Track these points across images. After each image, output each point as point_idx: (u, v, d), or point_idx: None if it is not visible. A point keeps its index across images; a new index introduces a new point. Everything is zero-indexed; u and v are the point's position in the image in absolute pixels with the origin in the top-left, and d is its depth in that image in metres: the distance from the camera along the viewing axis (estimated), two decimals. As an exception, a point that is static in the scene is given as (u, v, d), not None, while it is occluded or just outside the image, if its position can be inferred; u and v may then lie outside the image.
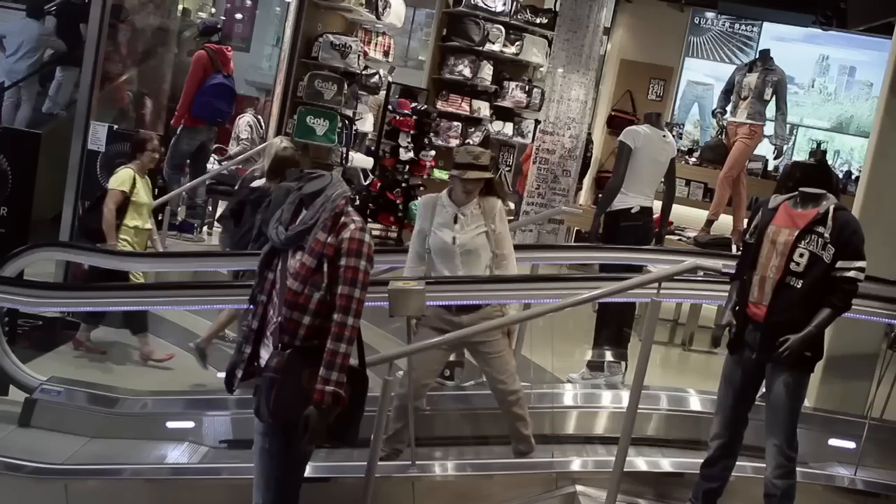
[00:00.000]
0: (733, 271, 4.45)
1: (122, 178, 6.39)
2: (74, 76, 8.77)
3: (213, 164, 9.34)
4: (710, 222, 8.77)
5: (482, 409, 5.31)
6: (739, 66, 9.39)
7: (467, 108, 10.27)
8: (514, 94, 10.41)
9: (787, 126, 9.32)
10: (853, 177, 10.72)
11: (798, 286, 4.08)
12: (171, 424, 5.37)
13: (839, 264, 4.06)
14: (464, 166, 4.68)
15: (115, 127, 7.55)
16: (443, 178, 10.05)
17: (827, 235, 4.08)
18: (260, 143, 9.22)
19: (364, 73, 8.90)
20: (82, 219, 6.60)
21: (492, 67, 10.27)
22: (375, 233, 9.33)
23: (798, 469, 4.23)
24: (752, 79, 8.64)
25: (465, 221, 4.70)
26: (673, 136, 7.77)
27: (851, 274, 4.06)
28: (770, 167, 10.61)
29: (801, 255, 4.09)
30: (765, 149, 9.94)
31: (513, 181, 11.31)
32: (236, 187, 6.82)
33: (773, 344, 4.08)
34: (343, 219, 3.43)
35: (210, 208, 9.54)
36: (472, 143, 10.16)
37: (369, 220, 9.49)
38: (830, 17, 11.19)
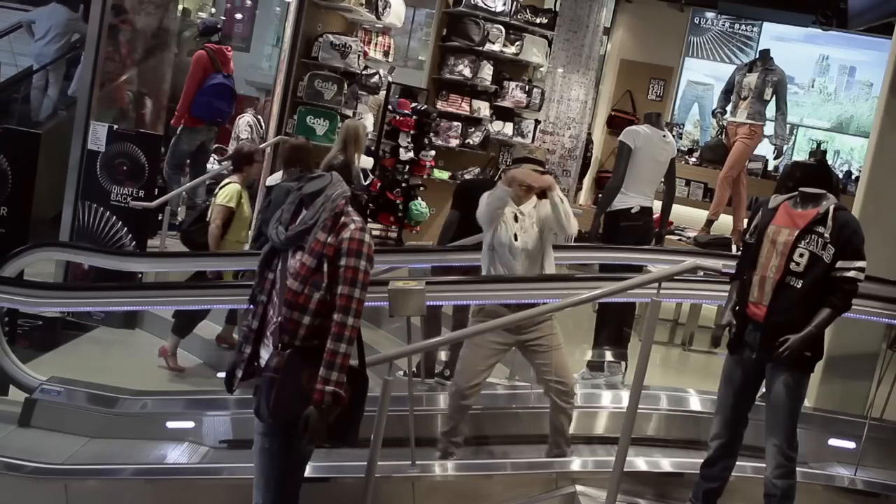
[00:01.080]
0: (733, 271, 4.44)
1: (229, 194, 6.38)
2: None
3: (213, 164, 9.33)
4: (710, 222, 8.78)
5: (482, 409, 5.31)
6: (739, 66, 9.39)
7: (467, 108, 10.25)
8: (514, 94, 10.39)
9: (787, 126, 9.33)
10: (853, 177, 10.73)
11: (798, 286, 4.08)
12: (171, 424, 5.36)
13: (839, 264, 4.06)
14: (519, 160, 4.99)
15: (115, 127, 7.55)
16: (443, 178, 10.05)
17: (827, 235, 4.08)
18: (260, 142, 9.20)
19: (364, 73, 8.89)
20: (187, 232, 6.65)
21: (492, 67, 10.26)
22: (375, 233, 9.33)
23: (798, 469, 4.23)
24: (752, 79, 8.65)
25: (524, 221, 4.84)
26: (673, 136, 7.78)
27: (851, 274, 4.06)
28: (770, 167, 10.62)
29: (801, 255, 4.08)
30: (765, 149, 9.95)
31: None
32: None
33: (773, 344, 4.08)
34: (343, 219, 3.43)
35: (210, 208, 9.53)
36: (472, 143, 10.16)
37: (369, 220, 9.48)
38: (830, 17, 11.21)
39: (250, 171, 6.62)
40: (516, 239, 4.82)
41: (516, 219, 4.84)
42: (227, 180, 6.55)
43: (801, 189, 4.22)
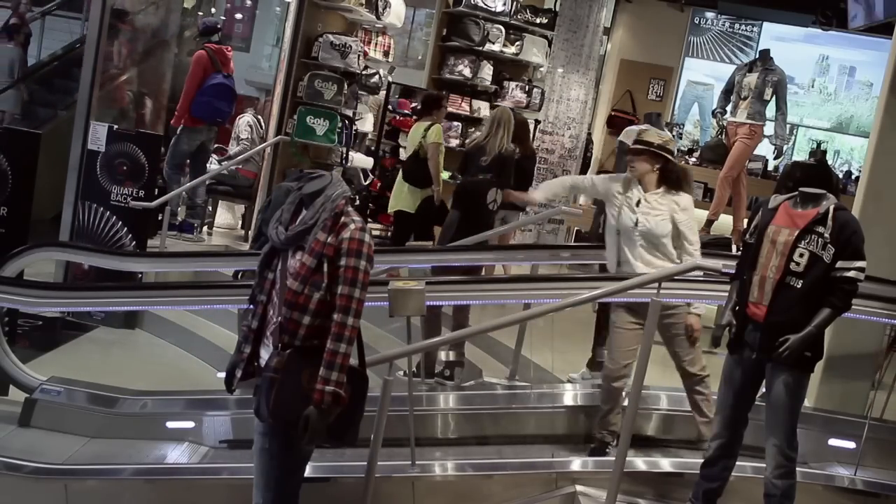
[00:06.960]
0: (733, 271, 4.44)
1: (437, 132, 7.21)
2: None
3: (213, 164, 9.33)
4: (710, 222, 8.77)
5: (482, 408, 5.31)
6: (739, 66, 9.38)
7: (467, 108, 10.25)
8: (514, 94, 10.39)
9: (787, 126, 9.32)
10: (853, 177, 10.73)
11: (798, 286, 4.08)
12: (171, 424, 5.36)
13: (839, 264, 4.06)
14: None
15: (115, 127, 7.55)
16: (443, 178, 10.05)
17: (827, 235, 4.07)
18: (260, 142, 9.21)
19: (364, 73, 8.90)
20: (410, 170, 7.36)
21: (492, 67, 10.26)
22: (375, 233, 9.33)
23: (798, 469, 4.23)
24: (752, 79, 8.65)
25: (648, 207, 4.92)
26: (673, 135, 7.77)
27: (851, 274, 4.06)
28: (770, 167, 10.62)
29: (801, 255, 4.08)
30: (765, 149, 9.95)
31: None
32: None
33: (773, 344, 4.07)
34: (343, 219, 3.42)
35: (210, 208, 9.54)
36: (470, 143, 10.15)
37: (369, 220, 9.48)
38: (830, 17, 11.22)
39: (439, 115, 7.43)
40: (637, 224, 4.91)
41: (638, 204, 4.93)
42: (425, 123, 7.30)
43: (801, 189, 4.21)
